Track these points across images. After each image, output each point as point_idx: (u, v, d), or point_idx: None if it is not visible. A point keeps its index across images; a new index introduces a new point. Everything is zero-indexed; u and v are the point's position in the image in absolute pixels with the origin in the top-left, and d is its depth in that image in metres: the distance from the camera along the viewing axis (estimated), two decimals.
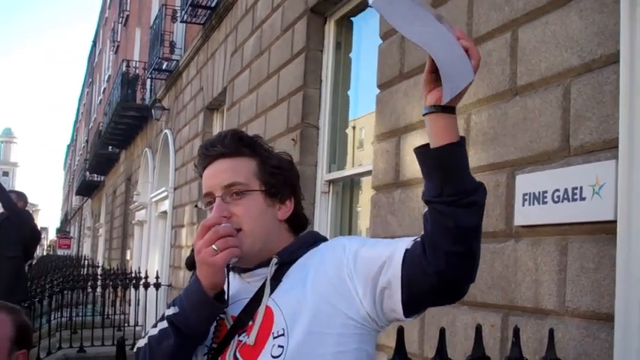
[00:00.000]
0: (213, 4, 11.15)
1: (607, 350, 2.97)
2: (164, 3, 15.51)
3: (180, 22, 13.00)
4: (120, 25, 30.36)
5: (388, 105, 5.02)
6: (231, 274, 2.00)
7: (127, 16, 27.72)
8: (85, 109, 53.66)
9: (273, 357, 1.80)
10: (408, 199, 4.61)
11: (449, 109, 1.71)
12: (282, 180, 2.00)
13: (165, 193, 14.96)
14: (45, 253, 50.03)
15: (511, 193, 3.64)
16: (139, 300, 11.80)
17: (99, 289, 13.14)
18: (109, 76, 32.70)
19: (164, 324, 1.92)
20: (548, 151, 3.43)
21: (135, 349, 2.04)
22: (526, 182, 3.52)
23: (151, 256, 16.49)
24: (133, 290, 11.99)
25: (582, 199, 3.14)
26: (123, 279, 13.05)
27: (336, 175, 6.69)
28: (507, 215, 3.68)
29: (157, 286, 11.87)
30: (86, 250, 40.15)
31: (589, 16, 3.25)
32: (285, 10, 7.67)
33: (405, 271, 1.73)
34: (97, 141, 27.66)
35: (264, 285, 1.91)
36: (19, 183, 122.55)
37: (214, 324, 1.94)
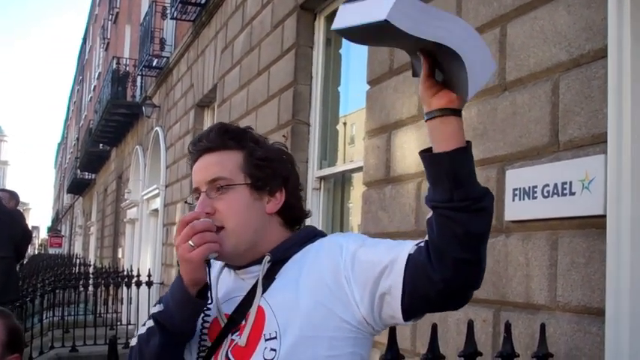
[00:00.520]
0: (203, 1, 11.13)
1: (598, 344, 2.98)
2: (154, 0, 15.47)
3: (171, 18, 12.96)
4: (110, 22, 30.27)
5: (378, 101, 5.02)
6: (226, 270, 1.99)
7: (117, 13, 27.64)
8: (75, 106, 53.48)
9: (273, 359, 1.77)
10: (399, 194, 4.61)
11: (458, 112, 1.65)
12: (269, 172, 1.93)
13: (156, 191, 14.93)
14: (36, 252, 49.90)
15: (501, 189, 3.64)
16: (131, 298, 11.77)
17: (91, 288, 13.11)
18: (100, 73, 32.60)
19: (151, 322, 1.92)
20: (537, 146, 3.44)
21: (129, 349, 2.04)
22: (516, 177, 3.53)
23: (142, 254, 16.46)
24: (124, 289, 11.96)
25: (572, 193, 3.15)
26: (115, 277, 13.02)
27: (327, 171, 6.69)
28: (498, 210, 3.68)
29: (149, 284, 11.84)
30: (78, 249, 40.04)
31: (577, 11, 3.26)
32: (275, 6, 7.66)
33: (407, 277, 1.68)
34: (88, 139, 27.59)
35: (257, 283, 1.88)
36: (10, 182, 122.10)
37: (207, 322, 1.93)
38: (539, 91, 3.45)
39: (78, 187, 39.31)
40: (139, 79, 19.18)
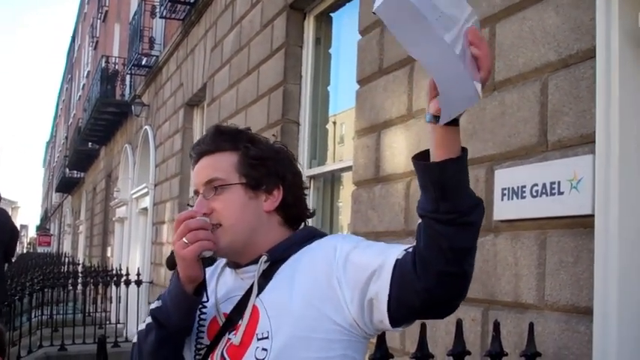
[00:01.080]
0: (192, 0, 11.11)
1: (586, 343, 2.99)
2: None
3: (160, 17, 12.94)
4: (99, 20, 30.17)
5: (368, 100, 5.03)
6: (227, 270, 2.00)
7: (106, 11, 27.55)
8: (64, 105, 53.26)
9: (257, 359, 1.78)
10: (389, 194, 4.62)
11: (453, 120, 1.58)
12: (265, 170, 1.94)
13: (145, 190, 14.89)
14: (25, 251, 49.77)
15: (490, 188, 3.66)
16: (120, 297, 11.74)
17: (80, 287, 13.08)
18: (89, 71, 32.48)
19: (149, 318, 1.94)
20: (526, 146, 3.45)
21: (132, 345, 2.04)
22: (505, 177, 3.54)
23: (131, 253, 16.42)
24: (114, 287, 11.94)
25: (560, 193, 3.16)
26: (104, 276, 13.00)
27: (317, 170, 6.69)
28: (487, 210, 3.68)
29: (138, 283, 11.83)
30: (66, 248, 39.92)
31: (565, 11, 3.27)
32: (265, 5, 7.66)
33: (393, 284, 1.66)
34: (77, 137, 27.49)
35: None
36: None
37: (203, 320, 1.94)
38: (528, 91, 3.46)
39: (67, 186, 39.19)
40: (128, 77, 19.13)
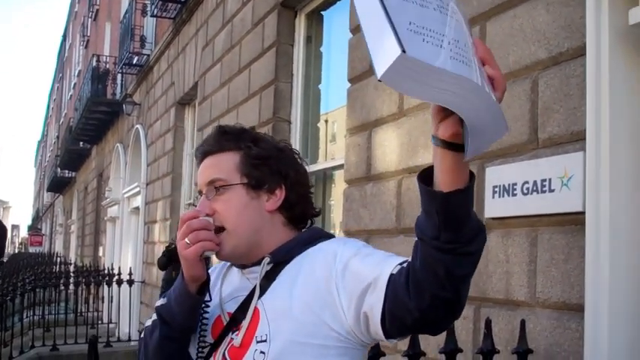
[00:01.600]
0: None
1: (577, 340, 3.00)
2: None
3: (151, 16, 12.91)
4: (90, 19, 30.11)
5: (359, 99, 5.03)
6: (234, 268, 2.00)
7: (97, 10, 27.50)
8: (55, 104, 53.14)
9: None
10: (380, 192, 4.62)
11: (462, 147, 1.43)
12: (266, 170, 1.93)
13: (137, 189, 14.87)
14: (17, 251, 49.64)
15: (481, 186, 3.66)
16: (112, 297, 11.73)
17: (71, 287, 13.05)
18: (80, 71, 32.41)
19: (155, 315, 1.96)
20: (516, 144, 3.46)
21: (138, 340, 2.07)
22: (496, 175, 3.55)
23: (123, 253, 16.39)
24: (105, 287, 11.92)
25: (551, 190, 3.17)
26: (96, 276, 12.97)
27: (309, 169, 6.67)
28: (478, 208, 3.70)
29: (130, 282, 11.81)
30: (58, 247, 39.85)
31: (556, 9, 3.28)
32: (256, 4, 7.65)
33: (387, 300, 1.63)
34: (68, 137, 27.43)
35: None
36: None
37: (206, 319, 1.94)
38: (519, 88, 3.47)
39: (58, 186, 39.11)
40: (119, 76, 19.10)
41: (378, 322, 1.66)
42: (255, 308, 1.84)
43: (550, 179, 3.18)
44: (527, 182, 3.31)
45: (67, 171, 34.07)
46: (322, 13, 6.91)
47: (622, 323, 2.87)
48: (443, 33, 1.28)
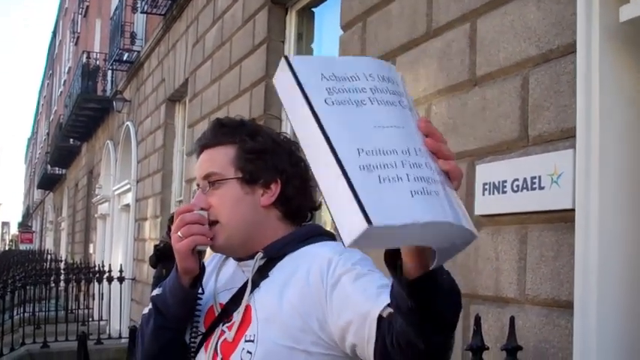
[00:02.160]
0: None
1: (566, 337, 3.01)
2: None
3: (141, 12, 12.88)
4: (80, 15, 30.00)
5: None
6: (230, 260, 2.00)
7: (87, 6, 27.40)
8: (45, 101, 52.95)
9: None
10: None
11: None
12: (261, 164, 1.91)
13: (127, 186, 14.84)
14: (7, 248, 49.51)
15: (471, 183, 3.66)
16: (102, 294, 11.71)
17: (62, 284, 13.03)
18: (70, 67, 32.29)
19: (150, 305, 1.97)
20: (507, 141, 3.46)
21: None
22: (486, 172, 3.55)
23: (114, 250, 16.36)
24: (96, 284, 11.91)
25: (541, 188, 3.17)
26: (86, 273, 12.95)
27: None
28: (468, 205, 3.71)
29: (121, 279, 11.79)
30: (49, 245, 39.73)
31: (546, 6, 3.28)
32: (247, 0, 7.64)
33: (377, 342, 1.55)
34: (58, 133, 27.35)
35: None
36: None
37: (202, 308, 1.95)
38: (509, 86, 3.47)
39: (48, 183, 38.99)
40: (109, 73, 19.04)
41: (371, 356, 1.59)
42: (247, 305, 1.83)
43: (540, 176, 3.18)
44: (517, 179, 3.31)
45: (57, 168, 33.95)
46: (313, 10, 6.90)
47: (611, 320, 2.88)
48: (395, 150, 1.19)
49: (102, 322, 11.82)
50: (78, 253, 24.15)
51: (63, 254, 28.36)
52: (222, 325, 1.88)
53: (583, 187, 2.94)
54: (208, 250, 1.94)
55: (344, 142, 1.17)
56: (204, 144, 1.96)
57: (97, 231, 19.80)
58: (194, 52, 9.82)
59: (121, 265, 12.69)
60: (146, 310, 2.00)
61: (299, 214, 1.98)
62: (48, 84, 51.69)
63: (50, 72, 50.23)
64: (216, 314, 1.92)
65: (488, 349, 3.15)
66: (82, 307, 13.38)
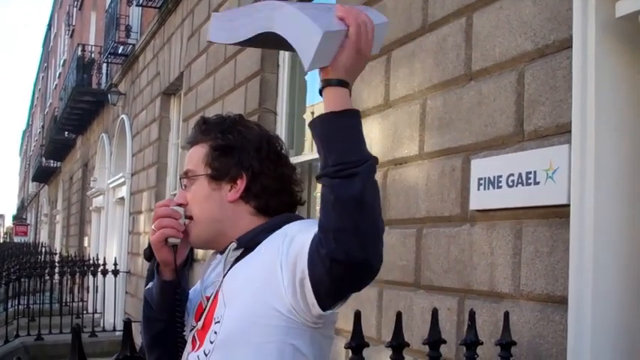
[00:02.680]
0: None
1: (561, 332, 3.01)
2: None
3: (136, 5, 12.85)
4: (75, 8, 29.93)
5: None
6: (219, 255, 2.04)
7: None
8: (40, 94, 52.83)
9: (211, 342, 1.85)
10: None
11: (333, 82, 1.68)
12: (229, 161, 1.97)
13: (122, 179, 14.83)
14: (1, 241, 49.47)
15: (466, 178, 3.66)
16: (97, 287, 11.71)
17: (56, 277, 13.02)
18: (65, 60, 32.22)
19: None
20: (502, 136, 3.46)
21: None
22: (481, 167, 3.55)
23: (109, 243, 16.34)
24: (91, 277, 11.90)
25: (536, 183, 3.17)
26: (81, 266, 12.96)
27: (294, 160, 6.66)
28: (463, 200, 3.71)
29: (115, 272, 11.80)
30: (43, 237, 39.70)
31: (542, 1, 3.27)
32: None
33: (309, 258, 1.65)
34: (53, 126, 27.28)
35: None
36: None
37: (195, 304, 2.02)
38: (505, 80, 3.47)
39: (43, 175, 38.93)
40: (104, 66, 19.01)
41: (310, 287, 1.67)
42: (217, 291, 1.92)
43: (535, 172, 3.18)
44: (512, 174, 3.31)
45: (52, 161, 33.90)
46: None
47: (605, 316, 2.88)
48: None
49: (96, 315, 11.82)
50: (72, 245, 24.13)
51: (58, 247, 28.33)
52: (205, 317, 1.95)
53: (578, 183, 2.94)
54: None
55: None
56: (188, 142, 2.08)
57: (92, 224, 19.78)
58: (189, 46, 9.80)
59: (115, 258, 12.70)
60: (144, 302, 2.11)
61: (271, 209, 2.01)
62: (43, 77, 51.59)
63: (45, 65, 50.11)
64: (204, 307, 1.98)
65: (482, 343, 3.15)
66: (76, 299, 13.39)
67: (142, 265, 11.80)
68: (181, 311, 2.01)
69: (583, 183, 2.93)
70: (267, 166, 2.01)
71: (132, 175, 14.11)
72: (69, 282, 13.29)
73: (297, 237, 1.76)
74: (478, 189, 3.55)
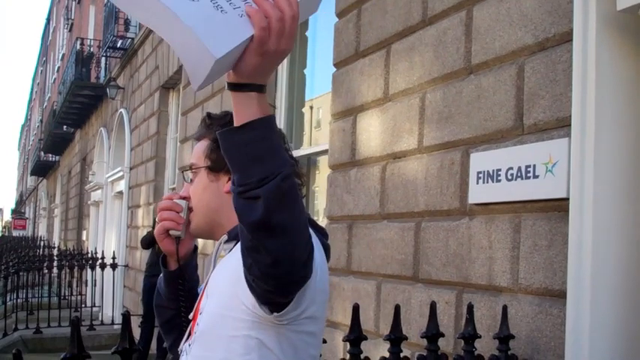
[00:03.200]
0: None
1: (559, 326, 3.01)
2: None
3: None
4: (74, 2, 29.88)
5: (344, 84, 5.01)
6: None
7: None
8: (39, 88, 52.80)
9: (195, 333, 1.90)
10: (364, 177, 4.61)
11: (236, 87, 1.57)
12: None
13: (120, 173, 14.83)
14: (0, 235, 49.46)
15: (465, 172, 3.66)
16: (95, 281, 11.71)
17: (55, 270, 13.03)
18: (63, 54, 32.18)
19: None
20: (502, 130, 3.45)
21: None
22: (480, 160, 3.54)
23: (107, 237, 16.36)
24: (89, 271, 11.90)
25: (535, 177, 3.17)
26: (79, 260, 12.96)
27: (293, 154, 6.66)
28: (462, 193, 3.70)
29: (114, 266, 11.80)
30: (42, 231, 39.73)
31: None
32: None
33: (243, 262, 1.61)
34: (52, 120, 27.26)
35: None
36: None
37: (197, 295, 2.07)
38: (505, 74, 3.46)
39: (42, 170, 38.94)
40: (103, 60, 18.99)
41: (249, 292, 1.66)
42: (206, 283, 1.98)
43: (534, 165, 3.17)
44: (511, 168, 3.31)
45: (50, 155, 33.91)
46: None
47: (603, 310, 2.88)
48: None
49: (94, 309, 11.83)
50: (71, 239, 24.14)
51: (56, 241, 28.35)
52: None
53: (578, 177, 2.94)
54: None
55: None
56: (195, 137, 2.13)
57: (90, 218, 19.79)
58: None
59: (113, 251, 12.71)
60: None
61: None
62: (42, 71, 51.53)
63: (44, 59, 50.05)
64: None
65: (480, 337, 3.15)
66: (74, 293, 13.38)
67: (140, 259, 11.79)
68: (185, 300, 2.08)
69: (582, 177, 2.92)
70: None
71: (130, 169, 14.11)
72: (67, 275, 13.29)
73: None
74: (477, 183, 3.54)
